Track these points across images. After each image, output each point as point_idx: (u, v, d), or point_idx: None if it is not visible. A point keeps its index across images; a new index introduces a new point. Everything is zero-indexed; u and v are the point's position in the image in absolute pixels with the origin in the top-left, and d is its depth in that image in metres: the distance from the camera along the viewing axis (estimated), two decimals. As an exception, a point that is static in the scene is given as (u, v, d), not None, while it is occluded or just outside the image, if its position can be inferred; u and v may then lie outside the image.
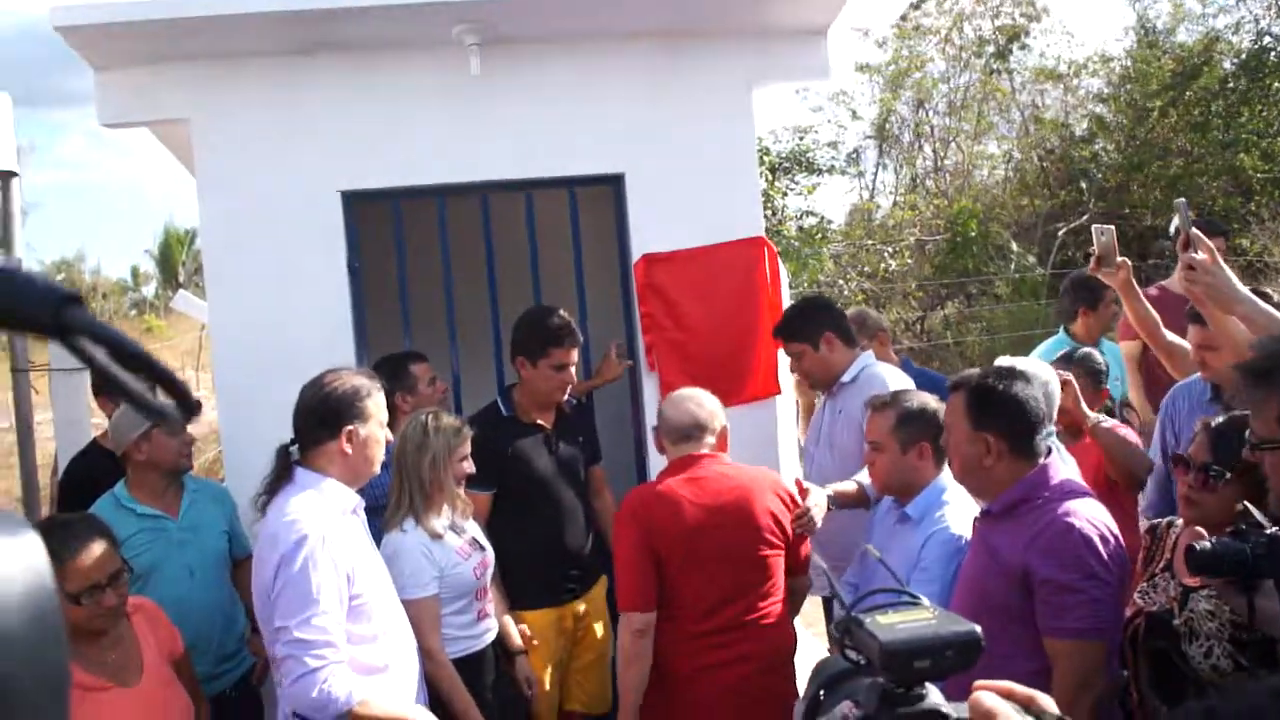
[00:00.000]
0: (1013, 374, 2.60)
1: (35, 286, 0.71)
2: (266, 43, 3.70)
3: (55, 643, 0.62)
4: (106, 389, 4.03)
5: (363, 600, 2.62)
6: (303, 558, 2.48)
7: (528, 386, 3.68)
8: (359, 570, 2.63)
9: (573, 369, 3.63)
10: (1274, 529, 2.06)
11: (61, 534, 2.52)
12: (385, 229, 4.06)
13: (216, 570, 3.45)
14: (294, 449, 2.73)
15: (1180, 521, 2.58)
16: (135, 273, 41.93)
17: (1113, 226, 3.87)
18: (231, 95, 3.79)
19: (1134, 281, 3.85)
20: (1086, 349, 4.24)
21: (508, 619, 3.44)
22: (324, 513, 2.60)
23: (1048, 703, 0.85)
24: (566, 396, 3.73)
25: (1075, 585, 2.34)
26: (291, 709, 2.52)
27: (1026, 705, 0.85)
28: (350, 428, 2.67)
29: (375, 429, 2.73)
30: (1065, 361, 3.92)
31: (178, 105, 3.78)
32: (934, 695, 0.89)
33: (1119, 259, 3.75)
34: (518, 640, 3.44)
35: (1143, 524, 3.02)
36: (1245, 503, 2.14)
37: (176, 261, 37.10)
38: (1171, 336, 3.94)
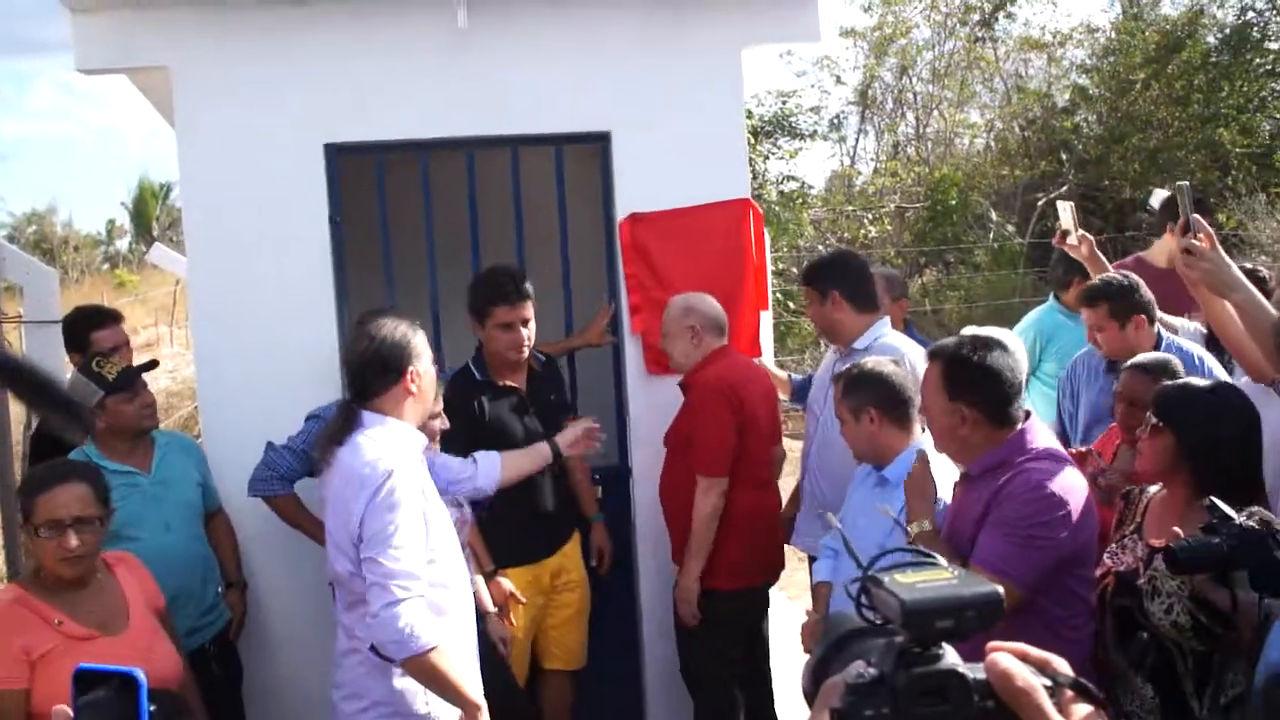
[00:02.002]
0: (989, 344, 2.61)
1: None
2: (250, -10, 3.63)
3: None
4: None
5: (434, 544, 2.66)
6: (388, 490, 2.53)
7: (486, 347, 3.65)
8: (430, 512, 2.67)
9: (524, 328, 3.54)
10: (1241, 519, 2.12)
11: (42, 471, 2.61)
12: (368, 183, 4.02)
13: (193, 523, 3.43)
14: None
15: (1152, 489, 2.63)
16: (110, 227, 41.36)
17: (1072, 202, 4.08)
18: (214, 43, 3.71)
19: (1099, 254, 4.02)
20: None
21: (479, 580, 3.45)
22: (401, 450, 2.65)
23: (1062, 665, 0.86)
24: (530, 354, 3.64)
25: (1009, 527, 2.42)
26: (370, 642, 2.56)
27: (1041, 668, 0.85)
28: (412, 368, 2.73)
29: (429, 364, 2.80)
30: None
31: (158, 52, 3.70)
32: (951, 655, 0.88)
33: (1079, 233, 3.93)
34: (488, 602, 3.45)
35: None
36: (1212, 498, 2.19)
37: (151, 215, 36.58)
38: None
